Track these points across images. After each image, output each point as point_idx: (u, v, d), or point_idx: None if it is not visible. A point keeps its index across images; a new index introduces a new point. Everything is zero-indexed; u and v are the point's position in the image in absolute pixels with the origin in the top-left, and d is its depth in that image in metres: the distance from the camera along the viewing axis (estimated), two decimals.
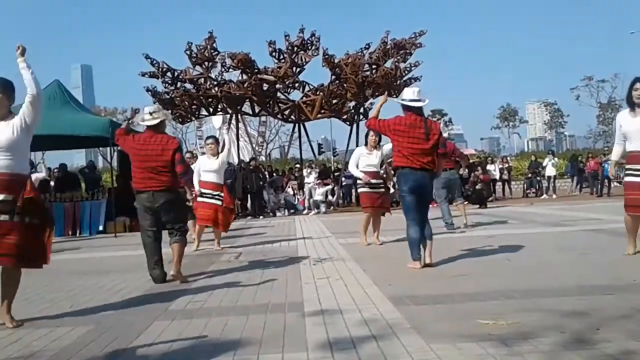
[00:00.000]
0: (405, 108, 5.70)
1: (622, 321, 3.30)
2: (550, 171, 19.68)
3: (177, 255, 5.60)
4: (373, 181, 7.84)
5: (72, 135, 12.39)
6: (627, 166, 5.60)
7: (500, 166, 20.82)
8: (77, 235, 12.56)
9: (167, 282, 5.55)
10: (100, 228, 12.69)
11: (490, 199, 17.67)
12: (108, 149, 14.59)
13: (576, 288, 4.32)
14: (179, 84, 18.58)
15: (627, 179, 5.61)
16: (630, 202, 5.55)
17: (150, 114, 5.71)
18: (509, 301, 3.99)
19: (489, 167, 19.97)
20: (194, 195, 7.05)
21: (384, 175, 7.96)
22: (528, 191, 21.04)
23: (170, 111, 18.98)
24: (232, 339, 3.37)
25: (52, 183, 15.10)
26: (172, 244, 5.66)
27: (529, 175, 21.24)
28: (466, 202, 16.51)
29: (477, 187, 16.87)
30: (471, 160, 20.80)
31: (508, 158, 25.15)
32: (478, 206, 15.63)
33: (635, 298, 3.88)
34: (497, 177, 20.22)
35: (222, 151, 8.39)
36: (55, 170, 16.06)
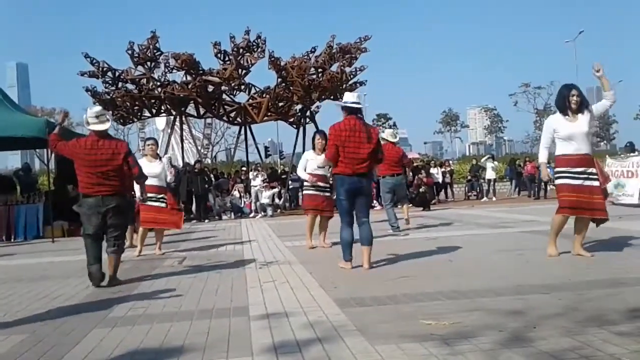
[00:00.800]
0: (347, 111, 5.85)
1: (557, 319, 3.43)
2: (490, 174, 20.33)
3: (113, 266, 5.64)
4: (320, 184, 7.86)
5: (6, 136, 11.82)
6: (562, 169, 5.72)
7: (443, 169, 21.34)
8: (12, 240, 12.02)
9: (104, 287, 5.46)
10: (40, 231, 12.18)
11: (433, 201, 18.07)
12: (45, 150, 14.03)
13: (514, 288, 4.47)
14: (120, 84, 18.10)
15: (562, 181, 5.72)
16: (567, 204, 5.73)
17: (97, 117, 5.60)
18: (450, 301, 4.08)
19: (432, 170, 20.44)
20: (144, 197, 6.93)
21: (332, 180, 7.99)
22: (469, 194, 21.65)
23: (111, 112, 18.44)
24: (175, 346, 3.30)
25: None
26: (110, 254, 5.63)
27: (470, 178, 21.87)
28: (410, 205, 16.91)
29: (421, 190, 17.21)
30: (415, 164, 21.25)
31: (450, 162, 25.76)
32: (422, 209, 15.95)
33: (569, 296, 4.05)
34: (440, 180, 20.71)
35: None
36: None
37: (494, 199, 19.67)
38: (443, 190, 21.25)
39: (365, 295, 4.49)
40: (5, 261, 8.54)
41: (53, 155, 13.76)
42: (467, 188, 22.22)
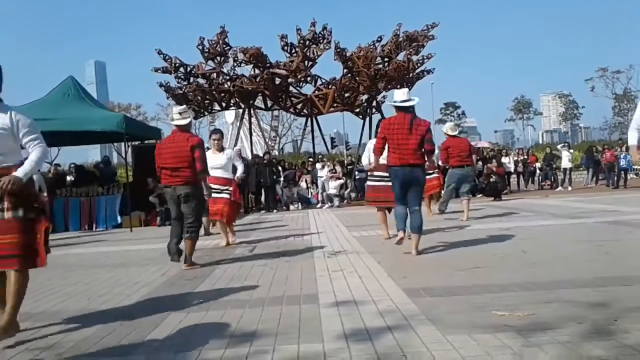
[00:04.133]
0: (396, 109, 6.14)
1: None
2: (565, 163, 19.49)
3: (189, 249, 6.15)
4: (382, 173, 7.61)
5: (87, 131, 12.48)
6: None
7: (516, 158, 20.65)
8: (94, 229, 12.69)
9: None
10: (119, 220, 12.82)
11: (504, 191, 17.54)
12: (122, 144, 14.70)
13: (593, 279, 4.28)
14: (191, 79, 18.66)
15: None
16: None
17: (180, 113, 6.24)
18: (524, 293, 3.97)
19: (504, 159, 19.81)
20: (208, 191, 7.23)
21: None
22: (543, 183, 20.85)
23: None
24: (248, 331, 3.39)
25: (69, 178, 15.27)
26: (185, 239, 6.14)
27: (544, 167, 21.05)
28: (480, 195, 16.51)
29: (492, 179, 16.76)
30: (484, 153, 20.71)
31: (524, 150, 24.77)
32: (492, 199, 15.53)
33: None
34: (512, 169, 20.07)
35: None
36: (71, 166, 16.25)
37: (569, 188, 18.86)
38: (515, 179, 20.56)
39: (435, 285, 4.43)
40: (88, 248, 9.03)
41: (130, 148, 14.44)
42: (540, 178, 21.40)
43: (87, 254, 8.24)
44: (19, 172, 3.44)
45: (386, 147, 6.22)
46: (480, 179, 17.46)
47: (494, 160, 18.33)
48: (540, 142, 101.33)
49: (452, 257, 5.85)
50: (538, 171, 21.36)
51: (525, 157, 21.01)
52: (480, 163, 18.45)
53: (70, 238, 10.80)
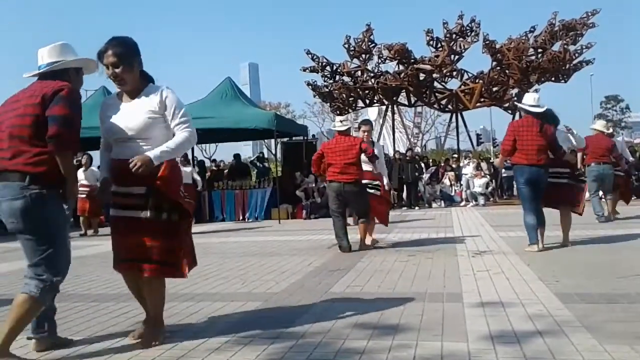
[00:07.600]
0: (525, 112, 6.38)
1: None
2: None
3: (362, 233, 6.97)
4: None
5: (242, 128, 13.36)
6: None
7: None
8: (246, 220, 13.55)
9: (353, 252, 6.70)
10: (269, 212, 13.53)
11: None
12: (272, 140, 15.51)
13: None
14: (337, 77, 19.13)
15: None
16: None
17: (341, 121, 7.23)
18: None
19: None
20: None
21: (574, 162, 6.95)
22: None
23: (329, 104, 19.63)
24: (391, 324, 3.42)
25: (226, 172, 16.49)
26: (360, 223, 7.02)
27: None
28: (635, 197, 14.95)
29: None
30: None
31: None
32: None
33: None
34: None
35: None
36: (220, 162, 17.54)
37: None
38: None
39: (592, 291, 4.12)
40: (242, 237, 9.68)
41: (279, 145, 15.20)
42: None
43: (241, 243, 8.83)
44: (151, 153, 2.97)
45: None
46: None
47: None
48: None
49: (612, 262, 5.38)
50: None
51: None
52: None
53: (226, 229, 11.66)
